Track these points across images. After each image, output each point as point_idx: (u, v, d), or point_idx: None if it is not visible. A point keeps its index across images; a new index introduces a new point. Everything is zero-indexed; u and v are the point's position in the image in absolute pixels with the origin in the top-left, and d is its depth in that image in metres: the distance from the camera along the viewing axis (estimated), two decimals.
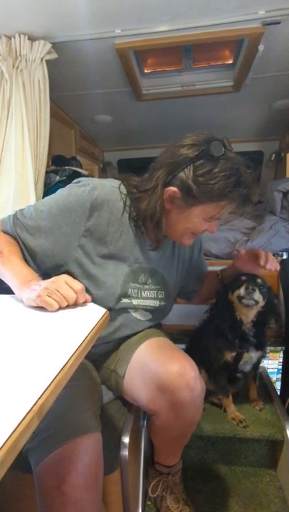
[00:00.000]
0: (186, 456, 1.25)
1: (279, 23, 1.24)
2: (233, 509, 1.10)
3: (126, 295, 0.96)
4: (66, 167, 1.68)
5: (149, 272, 1.00)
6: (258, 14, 1.21)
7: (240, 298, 1.10)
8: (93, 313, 0.66)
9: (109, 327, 0.98)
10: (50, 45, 1.33)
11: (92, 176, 1.97)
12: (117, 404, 1.03)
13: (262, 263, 1.01)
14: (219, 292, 1.18)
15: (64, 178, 1.61)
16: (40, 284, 0.69)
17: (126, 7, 1.16)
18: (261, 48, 1.37)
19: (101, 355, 1.06)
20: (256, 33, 1.28)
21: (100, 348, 1.03)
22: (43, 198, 1.40)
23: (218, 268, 1.27)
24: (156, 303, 1.02)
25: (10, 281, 0.76)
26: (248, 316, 1.14)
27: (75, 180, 0.93)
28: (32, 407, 0.35)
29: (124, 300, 0.96)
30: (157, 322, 1.10)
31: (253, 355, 1.18)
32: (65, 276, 0.70)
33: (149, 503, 1.09)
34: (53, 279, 0.69)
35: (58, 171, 1.65)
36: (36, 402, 0.36)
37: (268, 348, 1.46)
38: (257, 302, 1.09)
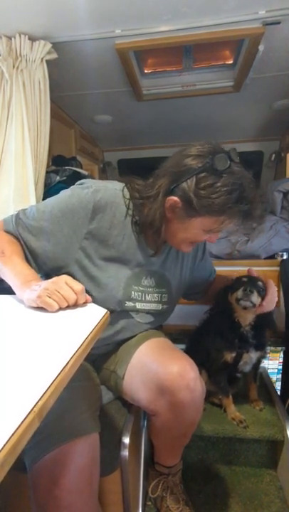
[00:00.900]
0: (186, 457, 1.25)
1: (279, 23, 1.24)
2: (233, 509, 1.10)
3: (129, 298, 0.96)
4: (66, 167, 1.68)
5: (153, 274, 1.00)
6: (258, 14, 1.21)
7: (238, 299, 1.10)
8: (94, 314, 0.66)
9: (111, 329, 0.98)
10: (51, 45, 1.33)
11: (93, 177, 1.97)
12: (117, 404, 1.03)
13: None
14: (219, 293, 1.18)
15: (64, 178, 1.61)
16: (41, 284, 0.68)
17: (126, 7, 1.16)
18: (261, 48, 1.37)
19: (100, 356, 1.06)
20: (256, 33, 1.28)
21: (100, 350, 1.02)
22: (43, 198, 1.40)
23: (218, 269, 1.27)
24: (159, 306, 1.02)
25: (11, 281, 0.76)
26: (246, 318, 1.14)
27: (78, 182, 0.93)
28: (32, 408, 0.35)
29: (128, 303, 0.96)
30: (158, 325, 1.10)
31: (252, 355, 1.18)
32: (65, 277, 0.70)
33: (149, 503, 1.09)
34: (54, 279, 0.69)
35: (58, 171, 1.65)
36: (37, 403, 0.36)
37: (268, 348, 1.46)
38: (254, 304, 1.08)
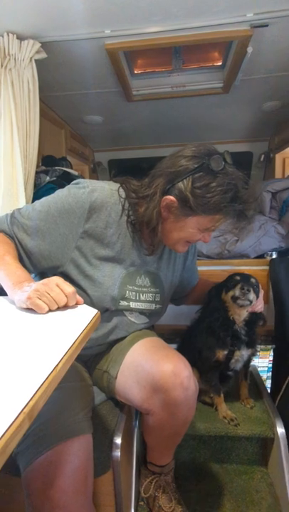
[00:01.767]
0: (178, 456, 1.25)
1: (267, 25, 1.26)
2: (225, 507, 1.11)
3: (124, 297, 0.96)
4: (56, 167, 1.67)
5: (148, 274, 1.01)
6: (246, 17, 1.23)
7: (234, 298, 1.11)
8: (85, 314, 0.66)
9: (104, 328, 0.98)
10: (39, 44, 1.32)
11: (83, 177, 1.96)
12: (109, 405, 1.03)
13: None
14: (211, 291, 1.19)
15: (54, 178, 1.60)
16: (32, 285, 0.68)
17: (116, 8, 1.16)
18: (250, 50, 1.38)
19: (93, 357, 1.05)
20: (245, 35, 1.29)
21: (93, 350, 1.02)
22: (33, 198, 1.39)
23: (209, 268, 1.28)
24: (152, 306, 1.02)
25: (2, 282, 0.76)
26: (240, 315, 1.16)
27: (74, 182, 0.93)
28: (23, 409, 0.35)
29: (123, 303, 0.96)
30: (150, 325, 1.10)
31: (244, 352, 1.20)
32: (56, 279, 0.69)
33: (142, 503, 1.09)
34: (45, 281, 0.69)
35: (48, 171, 1.64)
36: (27, 403, 0.36)
37: (259, 346, 1.48)
38: (251, 302, 1.10)
